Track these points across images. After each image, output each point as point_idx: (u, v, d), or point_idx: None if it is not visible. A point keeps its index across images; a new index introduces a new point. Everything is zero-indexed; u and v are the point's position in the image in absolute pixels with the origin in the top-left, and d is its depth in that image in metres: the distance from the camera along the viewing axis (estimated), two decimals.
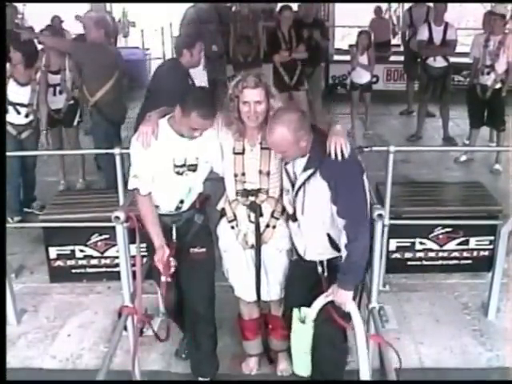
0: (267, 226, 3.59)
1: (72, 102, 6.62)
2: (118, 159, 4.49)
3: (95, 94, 6.17)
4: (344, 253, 3.18)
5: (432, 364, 4.04)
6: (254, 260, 3.65)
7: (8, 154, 4.96)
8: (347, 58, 9.30)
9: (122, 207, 3.65)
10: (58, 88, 6.49)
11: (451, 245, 5.07)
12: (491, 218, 4.93)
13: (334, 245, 3.33)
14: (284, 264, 3.68)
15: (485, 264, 4.97)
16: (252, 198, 3.54)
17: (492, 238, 4.85)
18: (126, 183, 4.48)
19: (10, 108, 5.92)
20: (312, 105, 8.86)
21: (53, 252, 4.98)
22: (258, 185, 3.51)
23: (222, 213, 3.70)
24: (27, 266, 5.32)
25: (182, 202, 3.60)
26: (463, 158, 7.70)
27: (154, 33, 14.05)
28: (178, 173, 3.49)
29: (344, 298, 3.27)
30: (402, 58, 10.16)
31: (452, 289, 4.89)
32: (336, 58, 11.63)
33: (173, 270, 3.56)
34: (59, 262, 5.01)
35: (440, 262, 5.12)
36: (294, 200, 3.35)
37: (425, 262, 5.10)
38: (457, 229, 5.01)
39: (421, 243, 5.07)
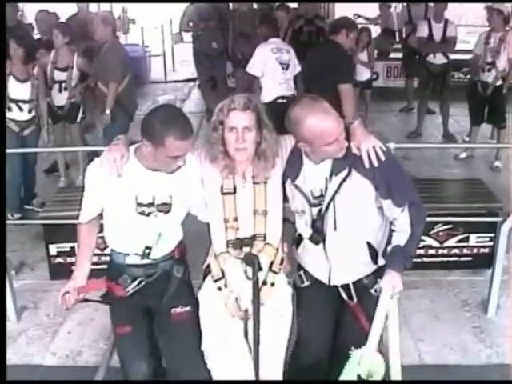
0: (264, 283, 2.97)
1: (74, 99, 6.63)
2: None
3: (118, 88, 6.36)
4: (404, 235, 2.86)
5: (432, 361, 4.04)
6: (249, 331, 2.98)
7: (9, 151, 4.96)
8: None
9: None
10: (63, 85, 6.52)
11: (451, 242, 5.06)
12: (491, 215, 4.93)
13: (374, 254, 2.97)
14: (286, 332, 3.06)
15: (485, 261, 4.97)
16: (246, 249, 2.93)
17: (492, 234, 4.86)
18: None
19: (13, 105, 5.95)
20: None
21: (53, 249, 4.97)
22: (252, 230, 2.92)
23: (206, 271, 3.05)
24: (27, 263, 5.32)
25: (148, 248, 2.97)
26: (463, 155, 7.69)
27: (153, 30, 14.07)
28: (142, 213, 2.90)
29: (400, 281, 2.89)
30: (401, 55, 10.15)
31: (452, 286, 4.89)
32: None
33: (72, 302, 2.99)
34: (59, 259, 5.00)
35: (440, 259, 5.12)
36: (322, 217, 2.88)
37: (425, 259, 5.10)
38: (457, 226, 5.01)
39: (421, 240, 5.05)
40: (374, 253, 2.96)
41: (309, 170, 2.88)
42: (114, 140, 2.95)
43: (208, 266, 3.03)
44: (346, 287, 3.02)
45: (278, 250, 2.99)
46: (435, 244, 5.07)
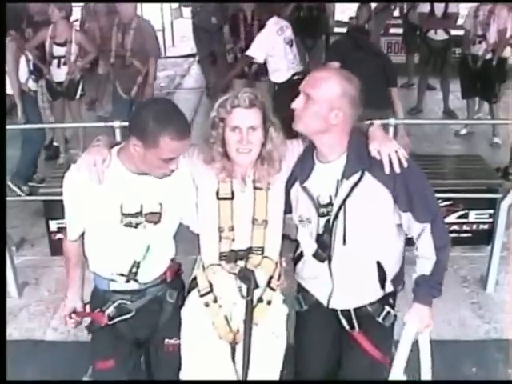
0: (259, 300, 2.64)
1: (73, 75, 6.60)
2: (117, 133, 4.48)
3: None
4: (429, 263, 2.58)
5: (431, 336, 4.06)
6: (238, 355, 2.64)
7: (9, 127, 4.94)
8: None
9: None
10: (62, 60, 6.48)
11: (451, 218, 5.07)
12: (491, 191, 4.93)
13: (382, 277, 2.65)
14: (281, 354, 2.73)
15: (484, 237, 4.98)
16: (241, 263, 2.60)
17: (492, 211, 4.87)
18: None
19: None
20: None
21: (53, 225, 4.98)
22: (249, 242, 2.60)
23: (192, 284, 2.71)
24: (28, 239, 5.34)
25: (135, 266, 2.61)
26: (463, 131, 7.68)
27: (152, 5, 13.93)
28: (129, 225, 2.53)
29: (429, 316, 2.62)
30: (401, 31, 10.09)
31: (451, 262, 4.84)
32: (336, 30, 11.53)
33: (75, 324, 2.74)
34: (60, 235, 4.99)
35: None
36: (330, 229, 2.53)
37: None
38: (457, 202, 5.02)
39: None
40: (383, 275, 2.64)
41: (318, 171, 2.56)
42: (94, 141, 2.62)
43: (194, 278, 2.71)
44: (347, 314, 2.70)
45: (277, 264, 2.68)
46: None
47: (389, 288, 2.67)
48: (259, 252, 2.61)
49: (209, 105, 9.49)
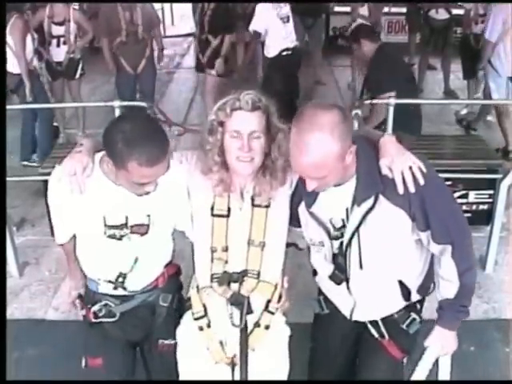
0: (256, 325, 2.44)
1: (73, 55, 6.57)
2: (117, 112, 4.48)
3: None
4: (453, 286, 2.32)
5: (429, 315, 4.02)
6: (237, 377, 2.47)
7: (9, 107, 4.93)
8: (348, 9, 9.18)
9: None
10: (61, 39, 6.45)
11: None
12: (491, 171, 4.93)
13: (406, 293, 2.46)
14: (282, 378, 2.55)
15: (484, 218, 4.98)
16: (235, 286, 2.37)
17: (491, 191, 4.86)
18: None
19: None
20: (313, 57, 8.79)
21: None
22: (244, 264, 2.37)
23: (187, 305, 2.52)
24: (28, 219, 5.34)
25: (122, 276, 2.46)
26: (464, 111, 7.66)
27: None
28: (112, 236, 2.36)
29: (453, 340, 2.45)
30: (403, 10, 10.02)
31: None
32: (337, 9, 11.45)
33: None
34: None
35: None
36: (344, 253, 2.32)
37: None
38: (456, 182, 5.00)
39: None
40: (406, 291, 2.45)
41: (326, 196, 2.26)
42: (77, 145, 2.42)
43: (189, 299, 2.51)
44: (374, 323, 2.54)
45: (276, 286, 2.44)
46: None
47: (415, 297, 2.51)
48: (255, 276, 2.37)
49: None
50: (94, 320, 2.57)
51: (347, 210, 2.25)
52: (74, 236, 2.50)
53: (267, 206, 2.35)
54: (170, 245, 2.59)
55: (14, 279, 4.47)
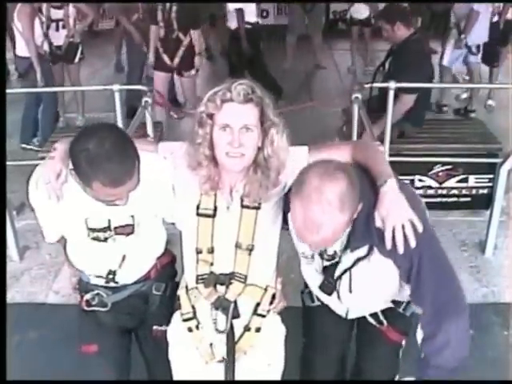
0: (247, 328, 2.32)
1: (72, 39, 6.55)
2: (117, 96, 4.47)
3: None
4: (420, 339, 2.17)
5: None
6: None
7: (9, 91, 4.92)
8: None
9: None
10: (60, 23, 6.43)
11: (450, 182, 5.08)
12: (491, 156, 4.93)
13: (397, 301, 2.44)
14: (276, 378, 2.44)
15: (483, 202, 4.99)
16: (221, 289, 2.25)
17: (491, 176, 4.87)
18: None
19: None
20: (313, 41, 8.77)
21: None
22: (231, 266, 2.24)
23: (177, 305, 2.41)
24: (28, 204, 5.32)
25: (111, 273, 2.42)
26: (464, 95, 7.63)
27: None
28: (96, 239, 2.29)
29: None
30: None
31: (450, 226, 4.93)
32: None
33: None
34: None
35: (439, 200, 5.15)
36: (334, 281, 2.26)
37: (424, 200, 5.09)
38: (456, 166, 5.02)
39: (420, 180, 5.08)
40: (398, 301, 2.44)
41: None
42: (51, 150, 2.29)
43: (179, 298, 2.40)
44: (374, 315, 2.49)
45: (267, 288, 2.31)
46: (434, 184, 5.09)
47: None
48: (242, 280, 2.24)
49: (208, 67, 9.45)
50: (86, 308, 2.55)
51: (341, 243, 2.14)
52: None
53: (257, 208, 2.19)
54: (160, 238, 2.52)
55: (15, 263, 4.48)
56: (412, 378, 2.31)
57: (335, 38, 10.23)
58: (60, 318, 3.91)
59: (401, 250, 1.98)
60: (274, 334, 2.39)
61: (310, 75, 8.71)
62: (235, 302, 2.26)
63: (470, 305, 3.99)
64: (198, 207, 2.20)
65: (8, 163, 3.99)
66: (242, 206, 2.19)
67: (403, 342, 2.60)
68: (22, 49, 5.98)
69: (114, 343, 2.60)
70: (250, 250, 2.21)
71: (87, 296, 2.52)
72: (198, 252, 2.23)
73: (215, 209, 2.19)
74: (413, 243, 1.97)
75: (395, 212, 1.99)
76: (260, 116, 2.09)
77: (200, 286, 2.26)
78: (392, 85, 4.39)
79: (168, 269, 2.60)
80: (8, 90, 5.74)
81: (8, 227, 4.35)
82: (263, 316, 2.31)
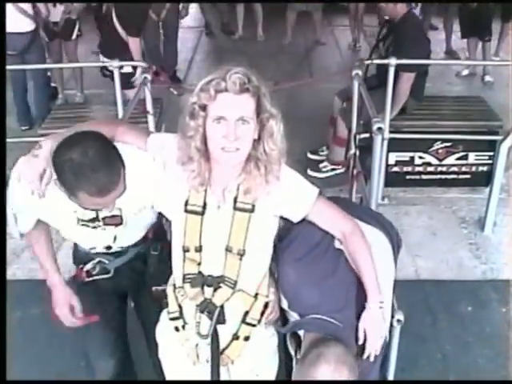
0: (235, 337, 2.18)
1: (70, 15, 6.50)
2: (116, 74, 4.45)
3: None
4: None
5: (428, 276, 4.12)
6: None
7: (9, 67, 4.90)
8: None
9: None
10: None
11: (450, 159, 5.07)
12: (491, 133, 4.92)
13: None
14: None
15: (483, 179, 4.99)
16: (209, 292, 2.11)
17: (491, 153, 4.86)
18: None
19: None
20: (313, 17, 8.71)
21: None
22: (221, 270, 2.10)
23: (164, 303, 2.29)
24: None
25: (107, 247, 2.45)
26: (465, 72, 7.60)
27: None
28: (86, 226, 2.29)
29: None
30: None
31: (450, 203, 4.94)
32: None
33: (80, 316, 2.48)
34: None
35: (439, 177, 5.15)
36: None
37: (423, 176, 5.13)
38: (456, 143, 5.01)
39: (420, 157, 5.08)
40: None
41: None
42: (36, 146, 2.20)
43: (166, 295, 2.28)
44: None
45: (257, 296, 2.16)
46: (434, 161, 5.08)
47: None
48: (231, 285, 2.10)
49: (208, 44, 9.40)
50: (87, 279, 2.54)
51: None
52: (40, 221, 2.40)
53: (251, 211, 2.04)
54: (151, 216, 2.42)
55: (15, 240, 4.44)
56: None
57: (336, 14, 10.14)
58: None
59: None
60: (264, 345, 2.27)
61: (309, 51, 8.65)
62: (222, 307, 2.13)
63: (469, 282, 4.06)
64: (186, 203, 2.07)
65: (8, 140, 3.98)
66: (235, 208, 2.05)
67: None
68: (21, 24, 5.90)
69: (114, 309, 2.63)
70: (241, 255, 2.07)
71: (88, 266, 2.52)
72: (185, 250, 2.10)
73: (204, 206, 2.06)
74: (371, 359, 2.14)
75: (372, 338, 2.12)
76: (257, 107, 1.94)
77: (186, 285, 2.14)
78: (393, 61, 4.36)
79: (160, 228, 2.60)
80: (14, 67, 5.74)
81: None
82: (253, 325, 2.17)
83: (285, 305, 2.21)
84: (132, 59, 5.06)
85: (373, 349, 2.14)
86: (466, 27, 7.45)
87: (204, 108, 1.93)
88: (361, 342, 2.11)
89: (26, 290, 3.94)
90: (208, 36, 9.58)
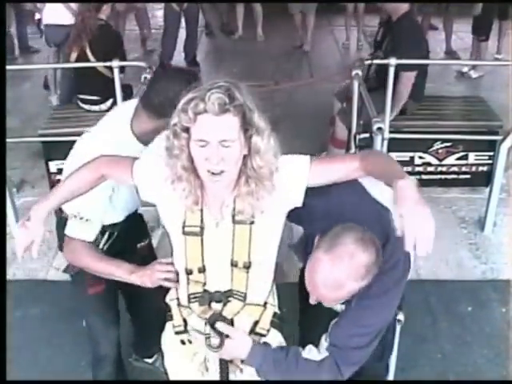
0: None
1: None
2: (116, 72, 4.44)
3: None
4: None
5: (428, 276, 4.12)
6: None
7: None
8: None
9: None
10: None
11: (450, 159, 5.07)
12: (491, 133, 4.91)
13: None
14: None
15: (483, 179, 4.99)
16: (218, 307, 2.07)
17: (491, 153, 4.86)
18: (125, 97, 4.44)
19: None
20: (306, 19, 8.67)
21: (53, 166, 4.98)
22: (228, 284, 2.05)
23: (168, 316, 2.23)
24: (28, 181, 5.34)
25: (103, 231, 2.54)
26: (465, 69, 7.63)
27: None
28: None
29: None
30: None
31: (450, 203, 4.93)
32: None
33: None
34: (60, 176, 4.99)
35: (439, 177, 5.14)
36: None
37: (423, 177, 5.12)
38: (456, 143, 5.01)
39: (420, 157, 5.07)
40: None
41: None
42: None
43: (169, 308, 2.22)
44: None
45: (266, 305, 2.14)
46: (434, 161, 5.08)
47: None
48: (241, 298, 2.06)
49: (208, 44, 9.40)
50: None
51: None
52: None
53: (251, 223, 1.96)
54: (131, 198, 2.45)
55: (15, 240, 4.47)
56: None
57: (336, 14, 10.14)
58: (61, 294, 3.92)
59: (423, 252, 1.86)
60: None
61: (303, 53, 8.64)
62: (231, 320, 2.08)
63: (469, 282, 4.06)
64: (184, 225, 1.99)
65: (8, 140, 3.98)
66: (234, 222, 1.96)
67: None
68: (60, 16, 5.91)
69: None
70: (248, 267, 2.01)
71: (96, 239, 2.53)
72: (188, 273, 2.05)
73: (202, 226, 1.98)
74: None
75: (416, 214, 1.89)
76: (242, 124, 1.82)
77: (193, 304, 2.09)
78: (392, 61, 4.36)
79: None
80: (13, 67, 5.74)
81: (8, 204, 4.35)
82: (262, 335, 2.13)
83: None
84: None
85: (423, 236, 1.88)
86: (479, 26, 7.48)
87: (186, 130, 1.83)
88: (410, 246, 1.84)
89: (25, 290, 3.95)
90: (208, 36, 9.59)
